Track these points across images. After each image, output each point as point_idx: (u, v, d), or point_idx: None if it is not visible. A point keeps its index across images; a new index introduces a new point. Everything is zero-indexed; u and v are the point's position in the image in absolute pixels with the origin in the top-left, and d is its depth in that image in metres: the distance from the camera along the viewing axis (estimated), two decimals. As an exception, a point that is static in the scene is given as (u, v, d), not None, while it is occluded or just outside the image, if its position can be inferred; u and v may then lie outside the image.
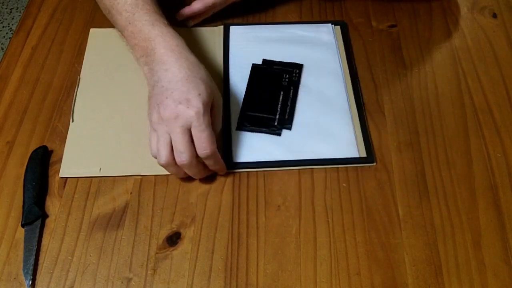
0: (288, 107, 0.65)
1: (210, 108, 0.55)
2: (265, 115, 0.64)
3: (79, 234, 0.55)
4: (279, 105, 0.65)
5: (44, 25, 0.75)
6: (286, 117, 0.64)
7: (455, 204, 0.57)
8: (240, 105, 0.65)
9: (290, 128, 0.63)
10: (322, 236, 0.55)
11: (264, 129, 0.63)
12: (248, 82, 0.67)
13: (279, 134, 0.62)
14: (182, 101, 0.53)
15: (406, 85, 0.68)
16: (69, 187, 0.58)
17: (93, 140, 0.62)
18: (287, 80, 0.68)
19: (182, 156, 0.54)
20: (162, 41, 0.58)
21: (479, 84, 0.68)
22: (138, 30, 0.59)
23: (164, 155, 0.54)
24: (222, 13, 0.76)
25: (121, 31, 0.63)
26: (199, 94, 0.54)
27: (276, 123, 0.63)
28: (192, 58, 0.58)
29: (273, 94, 0.66)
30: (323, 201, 0.57)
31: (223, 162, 0.58)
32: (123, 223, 0.56)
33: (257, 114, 0.64)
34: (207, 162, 0.56)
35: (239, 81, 0.68)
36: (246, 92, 0.66)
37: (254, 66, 0.69)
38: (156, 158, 0.55)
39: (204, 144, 0.54)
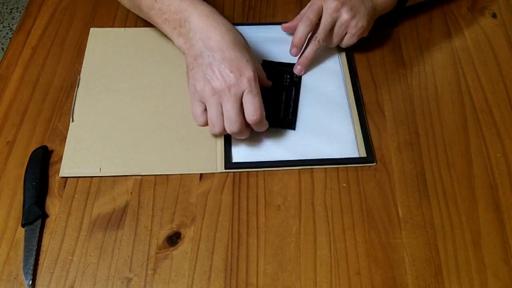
0: (291, 108, 0.65)
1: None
2: (274, 114, 0.64)
3: (79, 234, 0.55)
4: (283, 105, 0.65)
5: (44, 25, 0.75)
6: (290, 117, 0.64)
7: (455, 204, 0.57)
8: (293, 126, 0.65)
9: (294, 128, 0.63)
10: (322, 236, 0.55)
11: (277, 124, 0.63)
12: None
13: (294, 128, 0.63)
14: (234, 70, 0.53)
15: (406, 85, 0.68)
16: (69, 187, 0.58)
17: (93, 140, 0.62)
18: (288, 80, 0.68)
19: (234, 126, 0.55)
20: (195, 10, 0.56)
21: (479, 84, 0.68)
22: (166, 5, 0.58)
23: (218, 127, 0.56)
24: (222, 13, 0.76)
25: (147, 12, 0.62)
26: (247, 61, 0.54)
27: (285, 119, 0.63)
28: (228, 23, 0.57)
29: (276, 95, 0.66)
30: (323, 201, 0.57)
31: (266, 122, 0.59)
32: (123, 223, 0.56)
33: (270, 110, 0.64)
34: (254, 126, 0.57)
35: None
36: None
37: (264, 64, 0.69)
38: (199, 125, 0.58)
39: (255, 111, 0.55)
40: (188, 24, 0.56)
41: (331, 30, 0.66)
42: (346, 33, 0.66)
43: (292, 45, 0.67)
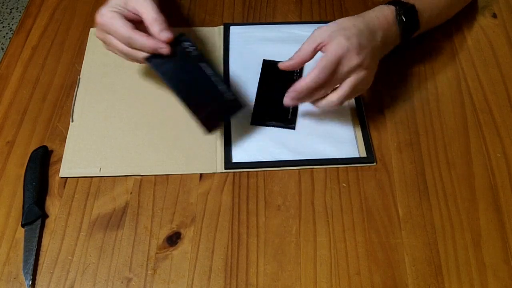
0: (291, 107, 0.64)
1: None
2: (277, 111, 0.64)
3: (79, 234, 0.55)
4: (283, 105, 0.65)
5: (44, 25, 0.75)
6: (290, 117, 0.64)
7: (455, 204, 0.57)
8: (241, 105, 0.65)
9: (294, 128, 0.63)
10: (322, 236, 0.55)
11: (278, 123, 0.63)
12: (260, 78, 0.67)
13: (294, 128, 0.63)
14: None
15: (406, 85, 0.68)
16: (69, 187, 0.58)
17: (93, 140, 0.62)
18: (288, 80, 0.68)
19: None
20: None
21: (479, 84, 0.68)
22: None
23: None
24: (222, 13, 0.76)
25: None
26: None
27: (285, 118, 0.63)
28: None
29: (277, 94, 0.66)
30: (323, 201, 0.57)
31: None
32: (123, 223, 0.56)
33: (270, 108, 0.64)
34: None
35: (239, 81, 0.68)
36: (258, 87, 0.66)
37: (265, 64, 0.69)
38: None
39: None
40: None
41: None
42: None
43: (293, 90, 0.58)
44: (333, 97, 0.58)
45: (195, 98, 0.58)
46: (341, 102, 0.58)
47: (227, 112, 0.60)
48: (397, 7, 0.61)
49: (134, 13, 0.59)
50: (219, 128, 0.62)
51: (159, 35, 0.57)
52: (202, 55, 0.59)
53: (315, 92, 0.57)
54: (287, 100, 0.58)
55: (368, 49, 0.57)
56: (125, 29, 0.56)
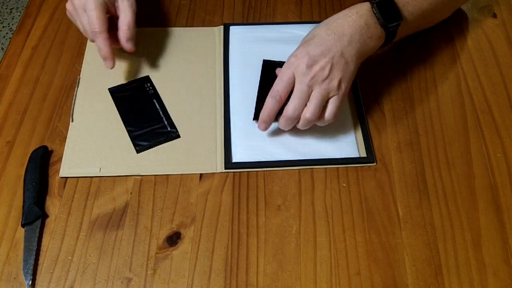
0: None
1: None
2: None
3: (79, 234, 0.55)
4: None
5: (44, 25, 0.75)
6: None
7: (455, 204, 0.57)
8: (241, 105, 0.65)
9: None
10: (322, 236, 0.55)
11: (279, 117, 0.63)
12: (261, 77, 0.67)
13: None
14: None
15: (406, 85, 0.68)
16: (69, 187, 0.58)
17: (93, 140, 0.62)
18: None
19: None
20: None
21: (479, 84, 0.68)
22: None
23: None
24: (222, 13, 0.76)
25: None
26: None
27: None
28: None
29: None
30: (323, 201, 0.57)
31: None
32: (123, 223, 0.56)
33: None
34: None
35: (239, 81, 0.68)
36: (259, 86, 0.66)
37: (265, 63, 0.69)
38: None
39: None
40: None
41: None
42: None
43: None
44: (305, 112, 0.57)
45: (135, 119, 0.64)
46: (314, 115, 0.57)
47: (160, 139, 0.62)
48: (372, 1, 0.60)
49: (115, 9, 0.64)
50: (148, 149, 0.62)
51: (125, 42, 0.63)
52: (157, 94, 0.66)
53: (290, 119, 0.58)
54: (260, 127, 0.60)
55: (327, 57, 0.56)
56: (99, 26, 0.61)
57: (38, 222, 0.55)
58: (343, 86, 0.57)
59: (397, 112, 0.65)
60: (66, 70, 0.69)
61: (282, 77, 0.57)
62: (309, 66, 0.56)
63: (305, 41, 0.60)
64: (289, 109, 0.57)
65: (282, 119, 0.59)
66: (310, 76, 0.56)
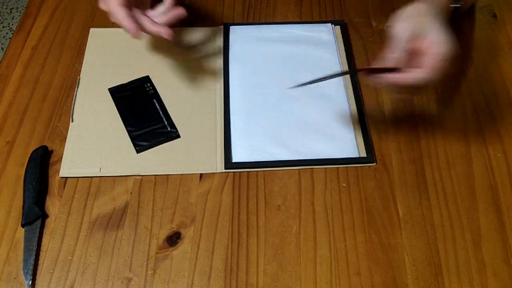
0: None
1: None
2: None
3: (79, 234, 0.55)
4: None
5: (44, 25, 0.75)
6: None
7: (455, 204, 0.57)
8: (241, 105, 0.65)
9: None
10: (322, 236, 0.55)
11: None
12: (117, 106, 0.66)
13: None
14: None
15: (406, 85, 0.68)
16: (69, 187, 0.58)
17: (93, 140, 0.62)
18: None
19: None
20: None
21: (479, 84, 0.68)
22: None
23: None
24: (222, 13, 0.76)
25: None
26: None
27: None
28: None
29: None
30: (323, 201, 0.57)
31: None
32: (123, 223, 0.56)
33: None
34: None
35: (239, 81, 0.68)
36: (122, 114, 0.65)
37: (112, 90, 0.68)
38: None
39: None
40: None
41: None
42: None
43: None
44: (419, 72, 0.52)
45: (135, 119, 0.64)
46: (430, 75, 0.52)
47: (160, 139, 0.62)
48: None
49: None
50: (148, 149, 0.62)
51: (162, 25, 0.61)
52: (157, 94, 0.66)
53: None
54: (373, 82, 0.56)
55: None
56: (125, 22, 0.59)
57: (38, 222, 0.55)
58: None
59: (397, 112, 0.65)
60: (66, 70, 0.69)
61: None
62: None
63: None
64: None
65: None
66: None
